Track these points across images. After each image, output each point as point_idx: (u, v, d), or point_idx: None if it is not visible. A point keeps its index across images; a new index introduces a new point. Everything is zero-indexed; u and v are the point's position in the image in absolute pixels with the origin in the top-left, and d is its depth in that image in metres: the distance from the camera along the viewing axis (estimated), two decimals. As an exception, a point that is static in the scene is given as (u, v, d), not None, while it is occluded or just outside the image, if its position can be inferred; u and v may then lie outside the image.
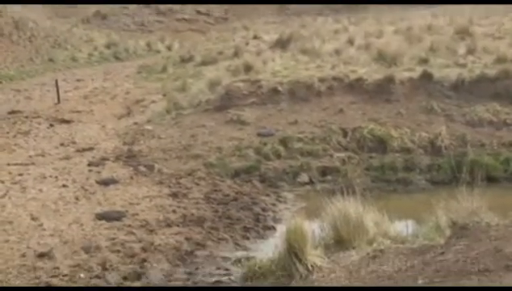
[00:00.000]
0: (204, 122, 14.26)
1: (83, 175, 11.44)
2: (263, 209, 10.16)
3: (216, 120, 14.31)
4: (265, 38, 26.13)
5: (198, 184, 11.09)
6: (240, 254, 8.18)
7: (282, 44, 22.57)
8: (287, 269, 6.50)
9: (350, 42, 20.70)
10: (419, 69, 14.80)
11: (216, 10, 42.83)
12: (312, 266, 6.45)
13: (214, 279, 7.29)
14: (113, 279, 7.23)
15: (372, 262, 6.40)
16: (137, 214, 9.44)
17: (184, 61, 24.11)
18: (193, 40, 32.86)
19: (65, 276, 7.28)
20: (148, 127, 14.67)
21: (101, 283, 7.14)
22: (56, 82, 19.17)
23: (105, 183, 10.99)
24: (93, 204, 9.91)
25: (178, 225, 9.06)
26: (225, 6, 42.55)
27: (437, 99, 13.73)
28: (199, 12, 42.06)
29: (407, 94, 14.08)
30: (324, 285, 6.09)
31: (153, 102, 17.37)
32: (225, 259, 8.02)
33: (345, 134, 12.93)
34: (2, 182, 10.96)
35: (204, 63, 21.85)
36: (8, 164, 12.14)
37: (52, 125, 15.75)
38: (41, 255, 7.78)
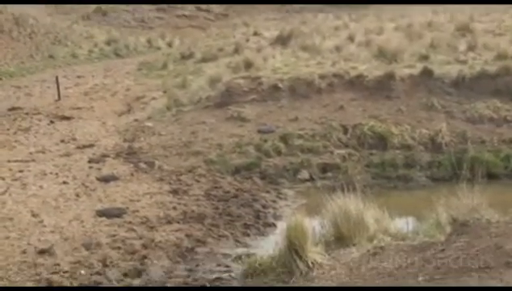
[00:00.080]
0: (205, 119, 14.26)
1: (83, 172, 11.45)
2: (264, 206, 10.16)
3: (217, 116, 14.31)
4: (265, 35, 26.10)
5: (198, 181, 11.09)
6: (240, 251, 8.18)
7: (282, 40, 22.55)
8: (288, 266, 6.50)
9: (351, 39, 20.68)
10: (419, 66, 14.80)
11: (217, 6, 42.77)
12: (312, 263, 6.45)
13: (214, 276, 7.29)
14: (113, 275, 7.24)
15: (373, 259, 6.40)
16: (138, 211, 9.45)
17: (184, 57, 24.10)
18: (193, 37, 32.85)
19: (66, 272, 7.28)
20: (149, 124, 14.67)
21: (101, 279, 7.15)
22: (57, 78, 19.15)
23: (105, 179, 10.99)
24: (93, 200, 9.92)
25: (178, 222, 9.06)
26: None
27: (437, 96, 13.72)
28: (199, 8, 42.03)
29: (407, 90, 14.07)
30: (324, 282, 6.10)
31: (154, 99, 17.36)
32: (226, 255, 8.02)
33: (345, 131, 12.93)
34: (3, 178, 10.96)
35: (205, 60, 21.84)
36: (8, 161, 12.15)
37: (52, 122, 15.75)
38: (42, 252, 7.79)
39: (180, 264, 7.69)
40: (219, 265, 7.67)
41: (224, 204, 10.00)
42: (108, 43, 32.14)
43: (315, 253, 6.55)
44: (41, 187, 10.55)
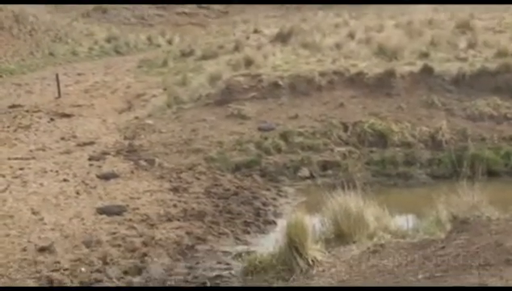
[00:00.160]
0: (205, 116, 14.26)
1: (84, 170, 11.45)
2: (264, 204, 10.17)
3: (217, 114, 14.30)
4: (265, 32, 26.09)
5: (198, 179, 11.09)
6: (240, 248, 8.18)
7: (282, 38, 22.53)
8: (288, 263, 6.51)
9: (351, 36, 20.67)
10: (420, 63, 14.79)
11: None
12: (312, 260, 6.46)
13: (214, 273, 7.29)
14: (114, 273, 7.24)
15: (373, 256, 6.41)
16: (138, 208, 9.45)
17: (185, 55, 24.08)
18: (193, 34, 32.81)
19: (66, 270, 7.29)
20: (149, 121, 14.67)
21: (101, 277, 7.15)
22: (57, 76, 19.15)
23: (106, 177, 10.99)
24: (94, 198, 9.92)
25: (178, 220, 9.06)
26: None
27: (437, 93, 13.72)
28: (199, 6, 41.97)
29: (408, 88, 14.07)
30: (324, 279, 6.10)
31: (154, 96, 17.35)
32: (226, 253, 8.02)
33: (345, 128, 12.93)
34: (3, 176, 10.97)
35: (205, 57, 21.82)
36: (9, 158, 12.15)
37: (52, 119, 15.75)
38: (42, 249, 7.79)
39: (180, 262, 7.70)
40: (219, 263, 7.68)
41: (224, 201, 10.01)
42: (108, 40, 32.10)
43: (315, 250, 6.55)
44: (41, 184, 10.55)
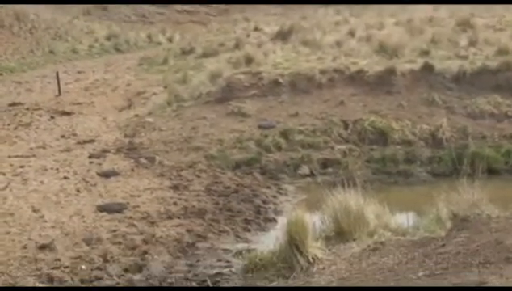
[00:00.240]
0: (205, 114, 14.25)
1: (84, 167, 11.45)
2: (264, 201, 10.17)
3: (217, 112, 14.30)
4: (266, 30, 26.05)
5: (199, 176, 11.09)
6: (241, 246, 8.18)
7: (283, 35, 22.51)
8: (288, 261, 6.51)
9: (351, 34, 20.64)
10: (420, 61, 14.78)
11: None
12: (312, 258, 6.46)
13: (215, 271, 7.29)
14: (114, 271, 7.25)
15: (373, 254, 6.41)
16: (138, 206, 9.46)
17: (185, 52, 24.06)
18: (194, 32, 32.78)
19: (67, 267, 7.29)
20: (149, 119, 14.66)
21: (102, 275, 7.15)
22: (57, 73, 19.14)
23: (106, 175, 11.00)
24: (94, 196, 9.93)
25: (179, 218, 9.07)
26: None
27: (438, 91, 13.71)
28: (199, 3, 41.90)
29: (408, 86, 14.06)
30: (324, 277, 6.10)
31: (154, 94, 17.34)
32: (226, 251, 8.03)
33: (346, 126, 12.92)
34: (4, 174, 10.97)
35: (205, 55, 21.80)
36: (9, 156, 12.15)
37: (52, 117, 15.74)
38: (42, 247, 7.80)
39: (181, 259, 7.70)
40: (219, 260, 7.68)
41: (224, 199, 10.01)
42: (109, 38, 32.07)
43: (315, 248, 6.56)
44: (42, 182, 10.56)
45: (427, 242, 6.41)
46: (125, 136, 13.66)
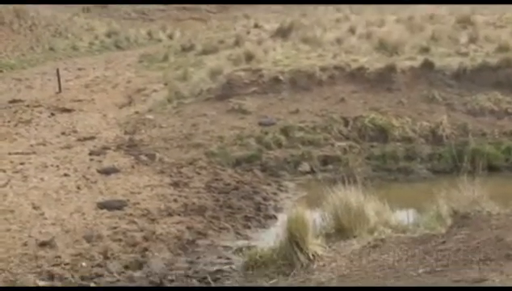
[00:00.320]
0: (205, 111, 14.25)
1: (84, 164, 11.45)
2: (264, 198, 10.17)
3: (218, 109, 14.30)
4: (266, 27, 26.03)
5: (199, 173, 11.10)
6: (241, 243, 8.18)
7: (283, 33, 22.49)
8: (288, 258, 6.51)
9: (352, 31, 20.62)
10: (420, 58, 14.78)
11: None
12: (313, 255, 6.46)
13: (215, 268, 7.29)
14: (114, 268, 7.24)
15: (373, 251, 6.41)
16: (138, 203, 9.45)
17: (185, 49, 24.03)
18: (194, 29, 32.74)
19: (67, 264, 7.29)
20: (150, 116, 14.66)
21: (102, 272, 7.15)
22: (58, 70, 19.13)
23: (106, 172, 11.00)
24: (94, 193, 9.93)
25: (179, 215, 9.07)
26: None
27: (438, 88, 13.71)
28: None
29: (408, 83, 14.06)
30: (325, 274, 6.10)
31: (155, 91, 17.33)
32: (226, 248, 8.03)
33: (346, 123, 12.92)
34: (4, 171, 10.97)
35: (205, 52, 21.78)
36: (9, 153, 12.15)
37: (53, 114, 15.74)
38: (43, 244, 7.79)
39: (181, 256, 7.70)
40: (220, 257, 7.68)
41: (224, 196, 10.01)
42: (109, 35, 32.05)
43: (316, 245, 6.56)
44: (42, 179, 10.56)
45: (427, 239, 6.41)
46: (125, 133, 13.66)
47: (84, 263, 7.34)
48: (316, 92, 14.30)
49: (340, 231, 7.13)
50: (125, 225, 8.59)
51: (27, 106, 16.58)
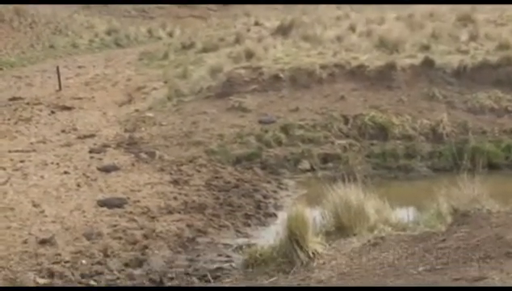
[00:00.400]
0: (206, 109, 14.25)
1: (84, 162, 11.45)
2: (264, 196, 10.17)
3: (218, 107, 14.29)
4: (266, 25, 26.01)
5: (199, 171, 11.10)
6: (241, 241, 8.19)
7: (283, 30, 22.48)
8: (288, 256, 6.51)
9: (352, 29, 20.62)
10: (421, 56, 14.76)
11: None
12: (313, 253, 6.46)
13: (215, 266, 7.30)
14: (114, 265, 7.25)
15: (373, 249, 6.41)
16: (139, 201, 9.46)
17: (185, 47, 24.01)
18: (194, 27, 32.71)
19: (67, 262, 7.30)
20: (150, 114, 14.66)
21: (102, 269, 7.16)
22: (58, 68, 19.12)
23: (106, 169, 11.00)
24: (94, 190, 9.93)
25: (179, 212, 9.08)
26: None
27: (438, 86, 13.70)
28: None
29: (408, 81, 14.05)
30: (325, 272, 6.10)
31: (155, 89, 17.33)
32: (226, 245, 8.04)
33: (346, 121, 12.92)
34: (4, 169, 10.97)
35: (205, 50, 21.76)
36: (9, 151, 12.15)
37: (53, 112, 15.73)
38: (43, 242, 7.80)
39: (181, 254, 7.71)
40: (220, 255, 7.69)
41: (224, 194, 10.01)
42: (109, 33, 31.99)
43: (316, 243, 6.55)
44: (42, 177, 10.56)
45: (427, 237, 6.41)
46: (125, 131, 13.66)
47: (84, 261, 7.34)
48: (316, 90, 14.29)
49: (340, 229, 7.13)
50: (125, 222, 8.59)
51: (27, 104, 16.58)
